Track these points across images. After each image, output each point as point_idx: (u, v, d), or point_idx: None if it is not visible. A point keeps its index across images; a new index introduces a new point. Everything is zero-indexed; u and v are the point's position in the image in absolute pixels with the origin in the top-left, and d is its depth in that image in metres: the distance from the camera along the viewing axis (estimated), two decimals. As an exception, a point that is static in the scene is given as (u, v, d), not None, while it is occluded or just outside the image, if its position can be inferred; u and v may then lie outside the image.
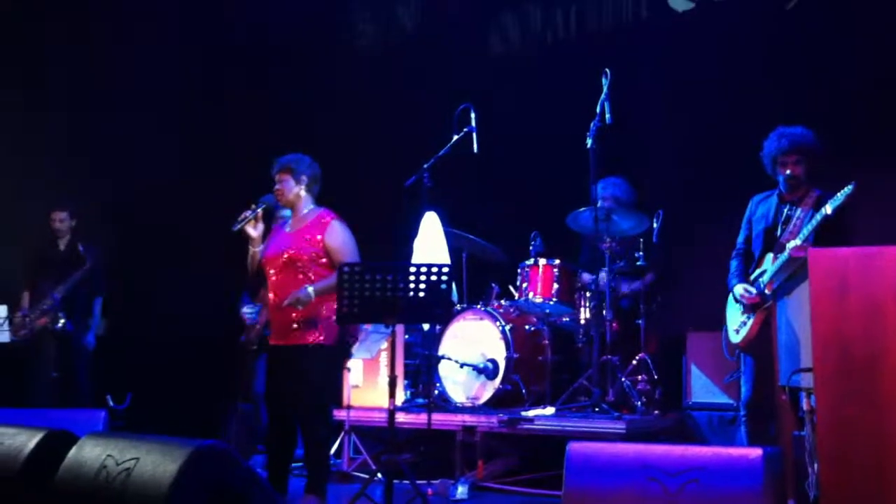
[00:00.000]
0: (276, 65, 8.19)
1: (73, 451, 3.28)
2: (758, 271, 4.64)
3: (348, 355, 5.84)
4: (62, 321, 6.44)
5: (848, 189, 4.09)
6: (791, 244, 4.37)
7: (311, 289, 4.63)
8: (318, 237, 4.76)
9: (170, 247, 7.36)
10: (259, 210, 4.81)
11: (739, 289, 4.66)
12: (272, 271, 4.81)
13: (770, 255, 4.56)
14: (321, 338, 4.69)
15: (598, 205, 5.66)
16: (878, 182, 5.33)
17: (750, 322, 4.59)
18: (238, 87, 8.13)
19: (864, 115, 5.86)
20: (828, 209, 4.15)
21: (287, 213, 5.01)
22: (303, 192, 4.87)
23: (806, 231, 4.31)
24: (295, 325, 4.68)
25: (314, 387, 4.69)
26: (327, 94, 8.13)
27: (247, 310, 6.28)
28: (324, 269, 4.75)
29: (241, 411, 6.55)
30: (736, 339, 4.69)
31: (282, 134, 7.32)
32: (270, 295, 4.83)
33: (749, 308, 4.61)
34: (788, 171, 4.55)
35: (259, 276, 4.98)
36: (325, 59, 8.23)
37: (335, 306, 4.44)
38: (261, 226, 4.83)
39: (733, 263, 4.83)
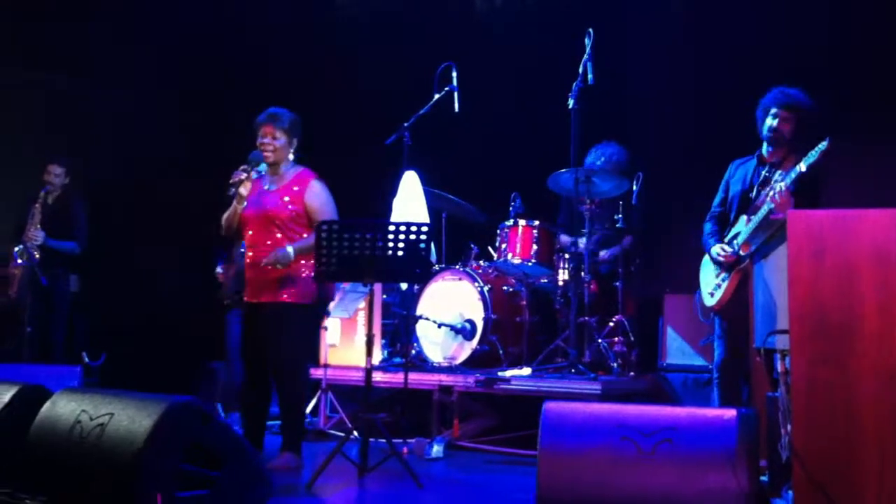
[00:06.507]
0: (255, 23, 8.05)
1: (46, 406, 3.27)
2: (731, 233, 4.63)
3: (325, 314, 5.83)
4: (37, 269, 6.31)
5: (822, 145, 3.98)
6: (768, 198, 4.30)
7: (290, 248, 4.60)
8: (299, 197, 4.73)
9: (144, 205, 7.28)
10: (252, 170, 4.75)
11: (717, 248, 4.62)
12: (250, 228, 4.77)
13: (744, 217, 4.52)
14: (298, 296, 4.68)
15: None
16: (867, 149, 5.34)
17: (725, 284, 4.58)
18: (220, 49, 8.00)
19: (864, 81, 5.81)
20: (802, 166, 4.07)
21: (262, 167, 4.88)
22: (291, 154, 4.84)
23: (779, 188, 4.22)
24: (271, 283, 4.66)
25: (290, 345, 4.69)
26: (307, 52, 8.02)
27: (220, 270, 6.26)
28: (302, 228, 4.73)
29: (213, 369, 6.55)
30: (710, 301, 4.69)
31: (255, 89, 7.22)
32: (248, 252, 4.80)
33: (724, 269, 4.60)
34: (776, 123, 4.47)
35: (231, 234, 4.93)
36: (303, 17, 8.10)
37: (313, 265, 4.42)
38: (250, 184, 4.77)
39: (707, 226, 4.78)
